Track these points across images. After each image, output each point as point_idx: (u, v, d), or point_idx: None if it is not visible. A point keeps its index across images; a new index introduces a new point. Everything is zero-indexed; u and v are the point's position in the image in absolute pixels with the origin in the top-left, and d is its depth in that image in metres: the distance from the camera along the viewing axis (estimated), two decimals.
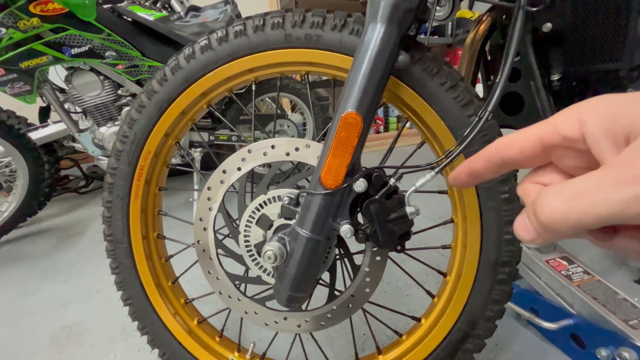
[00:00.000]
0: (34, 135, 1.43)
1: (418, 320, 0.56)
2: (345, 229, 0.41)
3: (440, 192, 0.53)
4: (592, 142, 0.17)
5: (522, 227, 0.17)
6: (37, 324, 0.93)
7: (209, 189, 0.51)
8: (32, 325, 0.93)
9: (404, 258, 1.02)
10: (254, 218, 0.49)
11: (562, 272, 0.74)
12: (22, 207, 1.44)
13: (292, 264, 0.43)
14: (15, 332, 0.91)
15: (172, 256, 0.63)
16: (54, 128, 1.47)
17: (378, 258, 0.48)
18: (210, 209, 0.52)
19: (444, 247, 0.55)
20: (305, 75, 0.53)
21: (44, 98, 1.35)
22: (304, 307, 0.53)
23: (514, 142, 0.20)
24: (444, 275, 0.54)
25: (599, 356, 0.61)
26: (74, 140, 1.50)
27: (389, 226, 0.41)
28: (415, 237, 1.16)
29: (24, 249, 1.40)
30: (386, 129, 2.77)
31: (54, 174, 1.56)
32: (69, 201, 1.95)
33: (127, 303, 0.60)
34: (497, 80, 0.43)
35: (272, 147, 0.48)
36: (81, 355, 0.81)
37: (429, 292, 0.56)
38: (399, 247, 0.44)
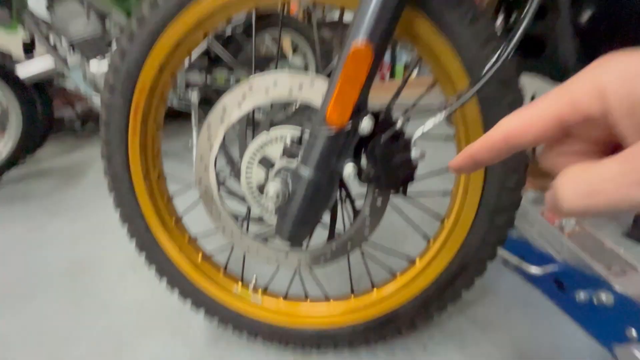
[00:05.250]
0: (21, 71, 1.36)
1: (412, 262, 0.58)
2: (349, 169, 0.41)
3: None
4: (616, 120, 0.15)
5: (551, 206, 0.17)
6: (49, 258, 0.98)
7: (208, 127, 0.50)
8: (44, 258, 0.98)
9: (402, 204, 1.04)
10: (256, 157, 0.49)
11: (554, 223, 0.76)
12: (19, 146, 1.43)
13: (294, 202, 0.43)
14: (29, 264, 0.96)
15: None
16: (40, 61, 1.38)
17: (379, 201, 0.48)
18: (210, 147, 0.51)
19: (444, 194, 0.55)
20: (312, 6, 0.48)
21: (27, 33, 1.25)
22: (304, 247, 0.55)
23: (527, 128, 0.17)
24: (442, 221, 0.55)
25: (577, 298, 0.66)
26: (64, 78, 1.43)
27: (392, 168, 0.40)
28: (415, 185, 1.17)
29: (27, 188, 1.42)
30: (392, 76, 2.64)
31: (48, 115, 1.52)
32: (66, 142, 1.93)
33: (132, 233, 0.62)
34: (523, 15, 0.39)
35: (274, 84, 0.46)
36: (94, 285, 0.86)
37: (425, 236, 0.58)
38: (401, 190, 0.44)
